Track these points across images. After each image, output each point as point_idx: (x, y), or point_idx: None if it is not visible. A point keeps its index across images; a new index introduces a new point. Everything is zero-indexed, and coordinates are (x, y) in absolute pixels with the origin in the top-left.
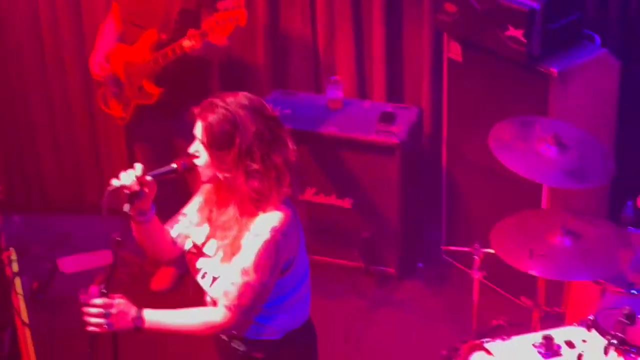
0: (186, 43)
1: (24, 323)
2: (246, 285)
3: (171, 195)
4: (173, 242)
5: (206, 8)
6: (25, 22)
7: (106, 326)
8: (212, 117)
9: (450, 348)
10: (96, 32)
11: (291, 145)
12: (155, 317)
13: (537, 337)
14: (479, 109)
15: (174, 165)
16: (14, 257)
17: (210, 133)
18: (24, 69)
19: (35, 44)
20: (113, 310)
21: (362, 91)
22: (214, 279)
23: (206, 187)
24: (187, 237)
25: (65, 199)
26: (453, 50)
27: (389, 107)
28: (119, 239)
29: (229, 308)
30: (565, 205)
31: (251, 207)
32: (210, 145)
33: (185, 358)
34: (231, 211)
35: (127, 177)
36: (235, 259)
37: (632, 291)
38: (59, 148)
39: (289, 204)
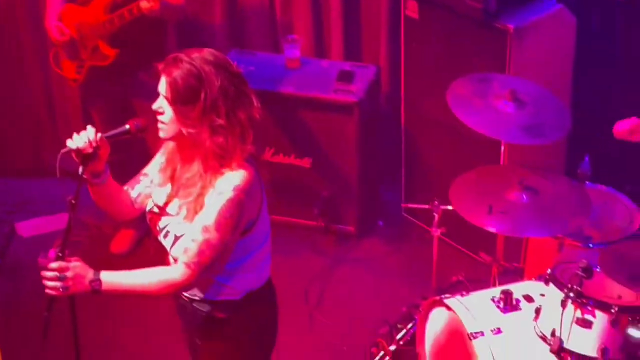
0: (144, 4)
1: None
2: (207, 243)
3: (130, 157)
4: (132, 202)
5: None
6: None
7: (63, 289)
8: (176, 72)
9: (410, 305)
10: None
11: (255, 102)
12: (113, 278)
13: (496, 292)
14: (436, 67)
15: (127, 127)
16: None
17: (175, 88)
18: None
19: None
20: (69, 274)
21: (320, 50)
22: (177, 237)
23: (168, 148)
24: (147, 197)
25: (22, 163)
26: (410, 8)
27: (347, 66)
28: (73, 201)
29: (188, 265)
30: (523, 161)
31: (215, 164)
32: (174, 100)
33: (145, 322)
34: (195, 167)
35: (80, 139)
36: (197, 216)
37: (589, 245)
38: (13, 110)
39: (252, 162)
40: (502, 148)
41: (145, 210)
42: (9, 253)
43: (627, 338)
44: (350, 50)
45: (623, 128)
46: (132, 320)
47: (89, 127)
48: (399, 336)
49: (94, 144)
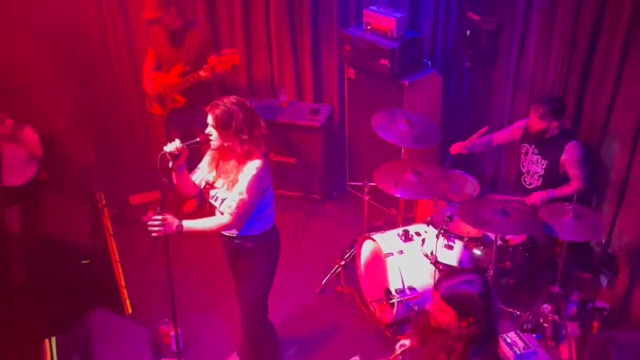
0: (202, 73)
1: (110, 235)
2: (241, 201)
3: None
4: (194, 184)
5: (213, 52)
6: (101, 55)
7: (161, 231)
8: (217, 111)
9: (353, 240)
10: (143, 60)
11: (263, 124)
12: (189, 224)
13: (399, 230)
14: (365, 105)
15: (198, 139)
16: (102, 198)
17: (217, 120)
18: (103, 85)
19: (110, 73)
20: (164, 222)
21: (300, 96)
22: (223, 200)
23: (212, 153)
24: (201, 180)
25: (135, 162)
26: (349, 72)
27: (315, 106)
28: (166, 181)
29: (231, 215)
30: (414, 158)
31: (244, 159)
32: (218, 127)
33: (204, 253)
34: (232, 162)
35: (171, 146)
36: (235, 187)
37: (451, 203)
38: (128, 131)
39: (264, 157)
40: (403, 150)
41: (201, 188)
42: (127, 213)
43: (473, 255)
44: (316, 97)
45: (456, 148)
46: (196, 253)
47: (176, 139)
48: (346, 257)
49: (179, 149)
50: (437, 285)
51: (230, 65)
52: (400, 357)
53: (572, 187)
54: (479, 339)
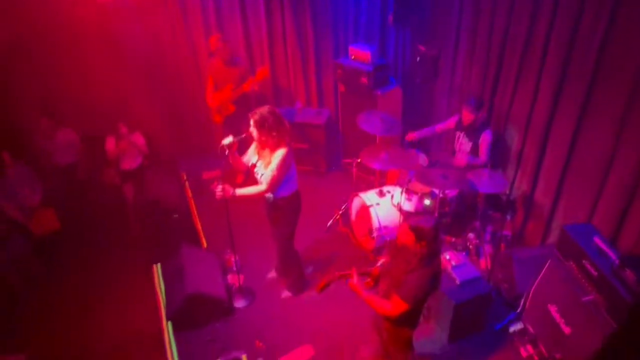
0: (246, 87)
1: (190, 198)
2: (272, 176)
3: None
4: (244, 163)
5: (250, 75)
6: (176, 74)
7: (222, 195)
8: (255, 117)
9: (346, 197)
10: (204, 76)
11: (286, 123)
12: (240, 190)
13: (376, 190)
14: (352, 109)
15: (243, 135)
16: (184, 175)
17: (255, 123)
18: (181, 96)
19: (181, 87)
20: (224, 189)
21: (309, 104)
22: (261, 175)
23: (254, 144)
24: (248, 161)
25: (204, 151)
26: (341, 87)
27: (319, 110)
28: (225, 163)
29: (267, 184)
30: (385, 142)
31: (274, 148)
32: (256, 127)
33: (251, 211)
34: (266, 150)
35: (227, 140)
36: (269, 167)
37: (410, 171)
38: (197, 132)
39: (288, 145)
40: (377, 138)
41: (249, 166)
42: (200, 186)
43: (424, 204)
44: (319, 104)
45: (410, 136)
46: (243, 210)
47: (230, 135)
48: (342, 208)
49: (232, 142)
50: (407, 219)
51: (262, 77)
52: (380, 268)
53: (480, 160)
54: (427, 256)
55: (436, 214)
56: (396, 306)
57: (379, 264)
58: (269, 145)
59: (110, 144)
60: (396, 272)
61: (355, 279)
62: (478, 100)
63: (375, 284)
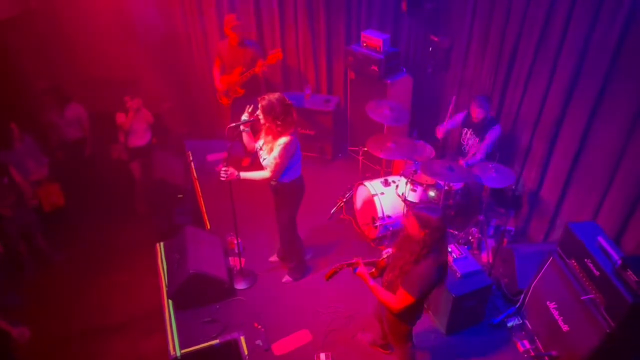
0: (257, 69)
1: (195, 179)
2: (275, 163)
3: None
4: (255, 146)
5: (261, 58)
6: (188, 58)
7: (227, 177)
8: (264, 102)
9: (351, 185)
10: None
11: (294, 114)
12: (244, 174)
13: (381, 180)
14: (361, 97)
15: (252, 118)
16: (190, 156)
17: (263, 109)
18: (191, 79)
19: (193, 70)
20: (229, 172)
21: (318, 90)
22: (264, 159)
23: (263, 130)
24: (257, 144)
25: (211, 133)
26: (351, 75)
27: (327, 97)
28: (230, 147)
29: (271, 170)
30: (393, 132)
31: (277, 135)
32: (262, 112)
33: (255, 194)
34: (270, 137)
35: (245, 116)
36: (272, 153)
37: (416, 162)
38: (205, 114)
39: (293, 133)
40: (385, 127)
41: (257, 149)
42: (204, 166)
43: (429, 196)
44: (329, 91)
45: (441, 130)
46: (247, 194)
47: (245, 114)
48: (346, 196)
49: (246, 121)
50: (413, 208)
51: (275, 60)
52: (386, 259)
53: (476, 158)
54: (431, 245)
55: (440, 206)
56: (402, 299)
57: (384, 255)
58: (272, 133)
59: (120, 117)
60: (402, 263)
61: (362, 268)
62: (488, 98)
63: (380, 274)
